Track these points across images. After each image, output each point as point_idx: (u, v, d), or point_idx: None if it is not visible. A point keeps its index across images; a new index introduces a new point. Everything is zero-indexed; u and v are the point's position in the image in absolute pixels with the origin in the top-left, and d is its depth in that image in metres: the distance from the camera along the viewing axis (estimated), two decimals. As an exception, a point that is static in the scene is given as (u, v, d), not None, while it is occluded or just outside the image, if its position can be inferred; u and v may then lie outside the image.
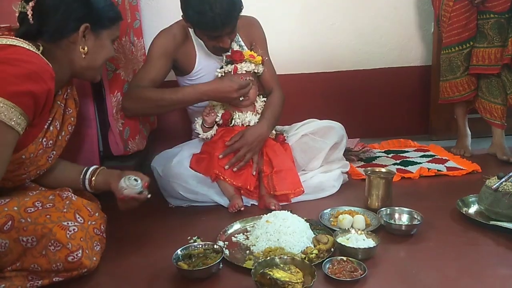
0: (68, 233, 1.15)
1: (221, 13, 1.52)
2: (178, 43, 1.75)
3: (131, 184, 1.29)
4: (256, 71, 1.75)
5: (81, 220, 1.22)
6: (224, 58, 1.74)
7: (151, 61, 1.72)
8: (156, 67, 1.72)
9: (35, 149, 1.19)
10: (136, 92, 1.68)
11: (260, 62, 1.75)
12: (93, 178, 1.37)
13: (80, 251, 1.16)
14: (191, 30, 1.74)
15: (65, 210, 1.20)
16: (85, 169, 1.39)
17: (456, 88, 2.18)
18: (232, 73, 1.70)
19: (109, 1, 1.29)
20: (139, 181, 1.31)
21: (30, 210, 1.15)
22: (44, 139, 1.21)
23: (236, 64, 1.69)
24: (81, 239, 1.18)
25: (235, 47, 1.76)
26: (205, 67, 1.79)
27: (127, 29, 1.91)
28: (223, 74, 1.71)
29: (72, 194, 1.29)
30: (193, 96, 1.67)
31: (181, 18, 1.67)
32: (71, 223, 1.18)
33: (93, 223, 1.27)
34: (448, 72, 2.19)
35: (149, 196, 1.34)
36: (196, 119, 1.77)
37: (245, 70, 1.71)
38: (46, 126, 1.21)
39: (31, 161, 1.19)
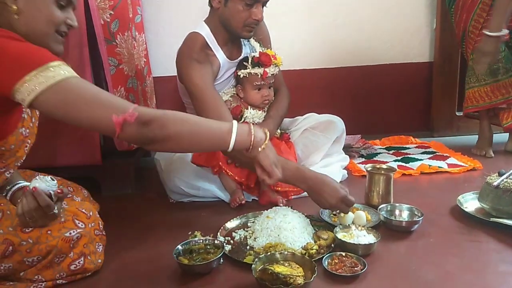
0: (72, 243, 1.13)
1: None
2: (206, 62, 1.64)
3: (46, 180, 1.12)
4: (277, 72, 1.75)
5: (82, 225, 1.18)
6: (250, 59, 1.71)
7: (209, 96, 1.58)
8: (218, 98, 1.62)
9: (16, 140, 1.11)
10: None
11: (281, 63, 1.74)
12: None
13: (82, 258, 1.15)
14: (207, 38, 1.66)
15: (63, 219, 1.15)
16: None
17: (480, 97, 2.13)
18: (261, 77, 1.69)
19: None
20: (55, 181, 1.14)
21: (27, 229, 1.10)
22: (23, 128, 1.14)
23: (265, 69, 1.69)
24: (84, 246, 1.16)
25: (257, 46, 1.75)
26: (228, 69, 1.75)
27: (129, 24, 1.91)
28: (246, 75, 1.70)
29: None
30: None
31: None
32: (74, 232, 1.14)
33: (93, 224, 1.23)
34: (472, 78, 2.14)
35: (58, 215, 1.13)
36: None
37: (272, 74, 1.71)
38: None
39: (10, 153, 1.12)
